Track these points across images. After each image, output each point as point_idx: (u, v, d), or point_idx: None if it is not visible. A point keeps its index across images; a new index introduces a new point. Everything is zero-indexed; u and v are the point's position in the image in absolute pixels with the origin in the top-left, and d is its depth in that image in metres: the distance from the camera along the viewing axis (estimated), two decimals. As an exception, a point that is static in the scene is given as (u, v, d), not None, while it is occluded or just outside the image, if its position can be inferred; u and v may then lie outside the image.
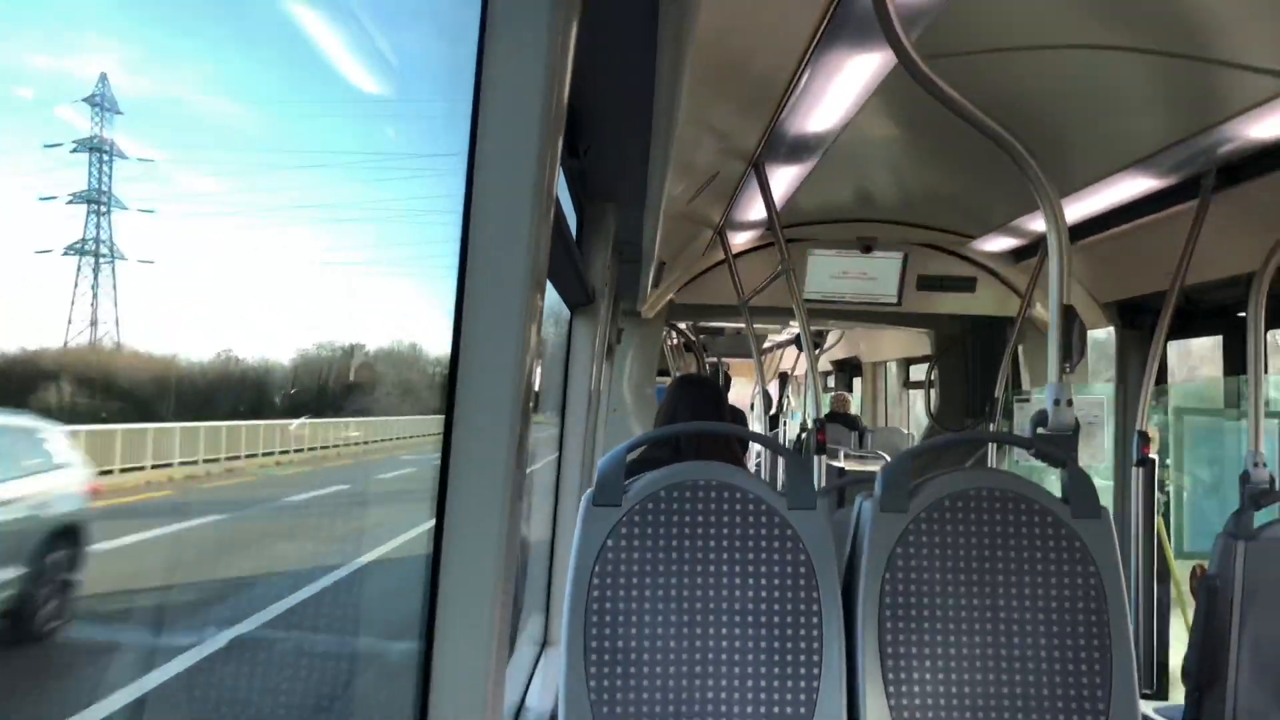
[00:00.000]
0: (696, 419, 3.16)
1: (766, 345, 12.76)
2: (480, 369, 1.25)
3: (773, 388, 12.13)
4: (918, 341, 8.42)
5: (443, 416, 1.28)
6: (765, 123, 3.38)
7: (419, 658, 1.26)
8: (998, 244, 5.61)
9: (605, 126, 2.36)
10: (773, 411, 7.99)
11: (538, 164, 1.26)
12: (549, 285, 2.89)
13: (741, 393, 15.98)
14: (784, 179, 4.19)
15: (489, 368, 1.25)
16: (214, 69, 1.34)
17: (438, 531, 1.25)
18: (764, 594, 2.20)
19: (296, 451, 2.33)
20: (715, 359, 11.74)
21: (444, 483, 1.25)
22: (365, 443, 2.53)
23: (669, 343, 11.25)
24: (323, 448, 2.42)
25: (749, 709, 2.16)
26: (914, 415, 9.90)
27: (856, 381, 11.73)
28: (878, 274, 5.94)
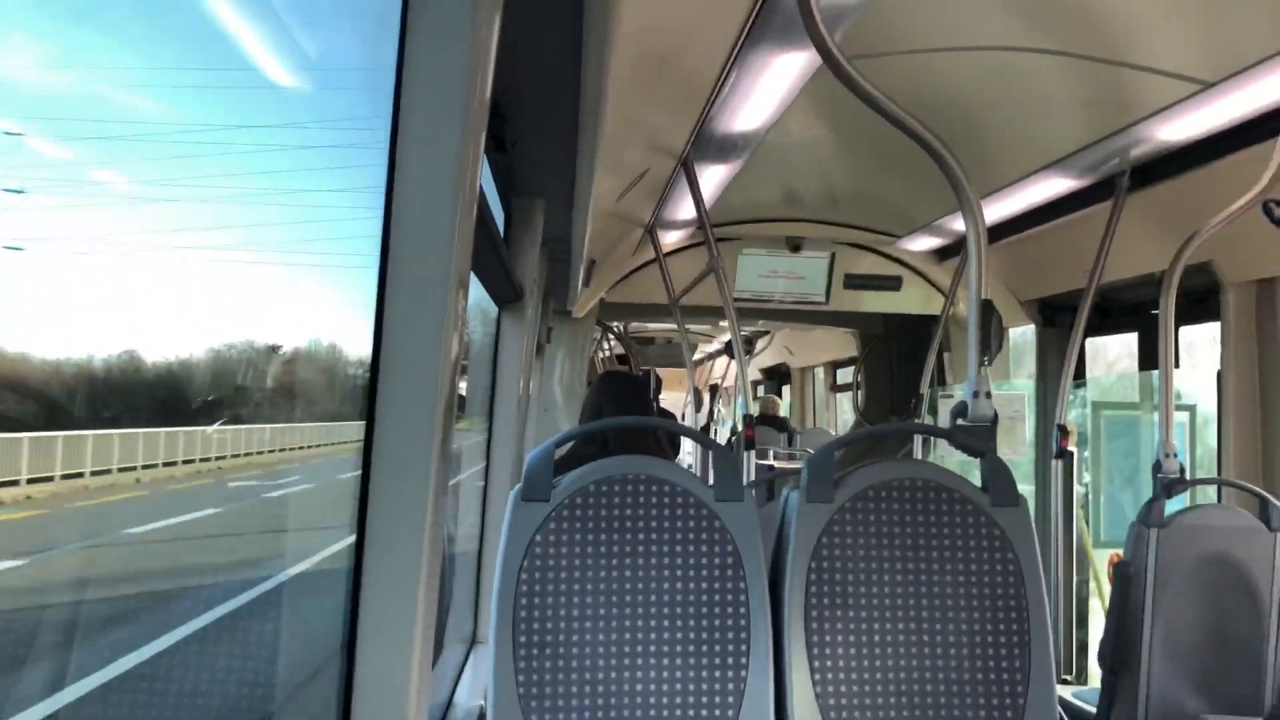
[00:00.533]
0: (623, 415, 3.17)
1: (698, 356, 12.83)
2: (402, 366, 1.24)
3: (704, 399, 12.23)
4: (845, 344, 8.54)
5: (363, 419, 1.26)
6: (694, 121, 3.40)
7: (341, 663, 1.25)
8: (922, 243, 5.71)
9: (532, 121, 2.36)
10: (703, 419, 8.05)
11: (460, 157, 1.25)
12: (477, 281, 2.88)
13: (673, 402, 16.04)
14: (713, 178, 4.22)
15: (411, 365, 1.23)
16: (131, 63, 1.31)
17: (360, 533, 1.24)
18: (692, 585, 2.22)
19: (175, 464, 1.83)
20: (647, 369, 11.80)
21: (365, 485, 1.23)
22: (262, 452, 2.09)
23: (600, 354, 11.26)
24: (217, 458, 1.93)
25: (678, 699, 2.17)
26: (840, 418, 10.04)
27: (785, 389, 11.88)
28: (806, 273, 6.01)
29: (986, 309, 2.44)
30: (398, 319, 1.24)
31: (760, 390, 12.45)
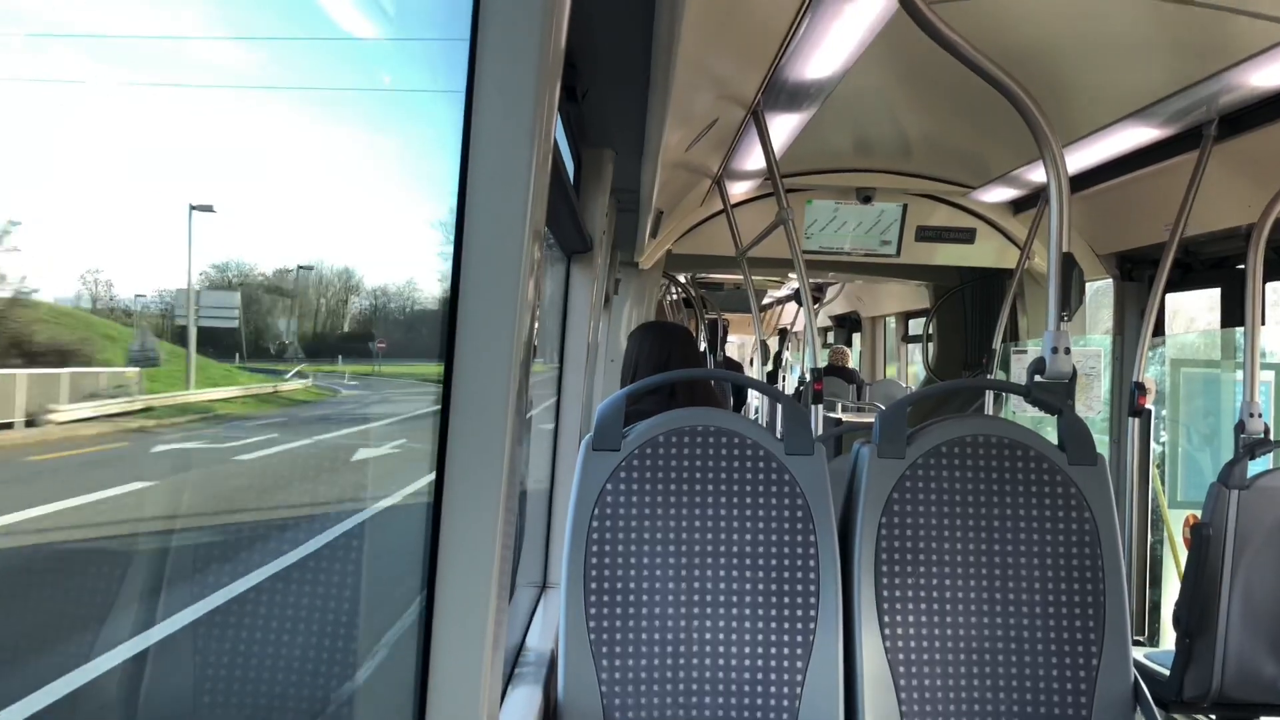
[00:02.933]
0: (668, 365, 3.14)
1: (766, 301, 12.73)
2: (479, 315, 1.24)
3: (772, 343, 12.14)
4: (916, 296, 8.41)
5: (440, 364, 1.28)
6: (764, 70, 3.34)
7: (421, 606, 1.27)
8: (997, 195, 5.58)
9: (603, 71, 2.34)
10: (769, 367, 8.01)
11: (535, 106, 1.24)
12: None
13: (742, 344, 15.95)
14: (783, 127, 4.16)
15: (488, 314, 1.24)
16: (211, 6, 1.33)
17: (439, 474, 1.26)
18: (761, 537, 2.22)
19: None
20: (715, 316, 11.74)
21: (444, 429, 1.25)
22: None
23: (668, 299, 11.23)
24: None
25: (746, 649, 2.18)
26: (912, 370, 9.92)
27: (855, 337, 11.74)
28: (877, 225, 5.92)
29: (1067, 262, 2.38)
30: (475, 267, 1.24)
31: (830, 338, 12.34)
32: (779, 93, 3.63)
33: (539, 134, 1.26)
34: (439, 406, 1.27)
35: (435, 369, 1.31)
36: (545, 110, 1.27)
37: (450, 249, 1.26)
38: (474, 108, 1.24)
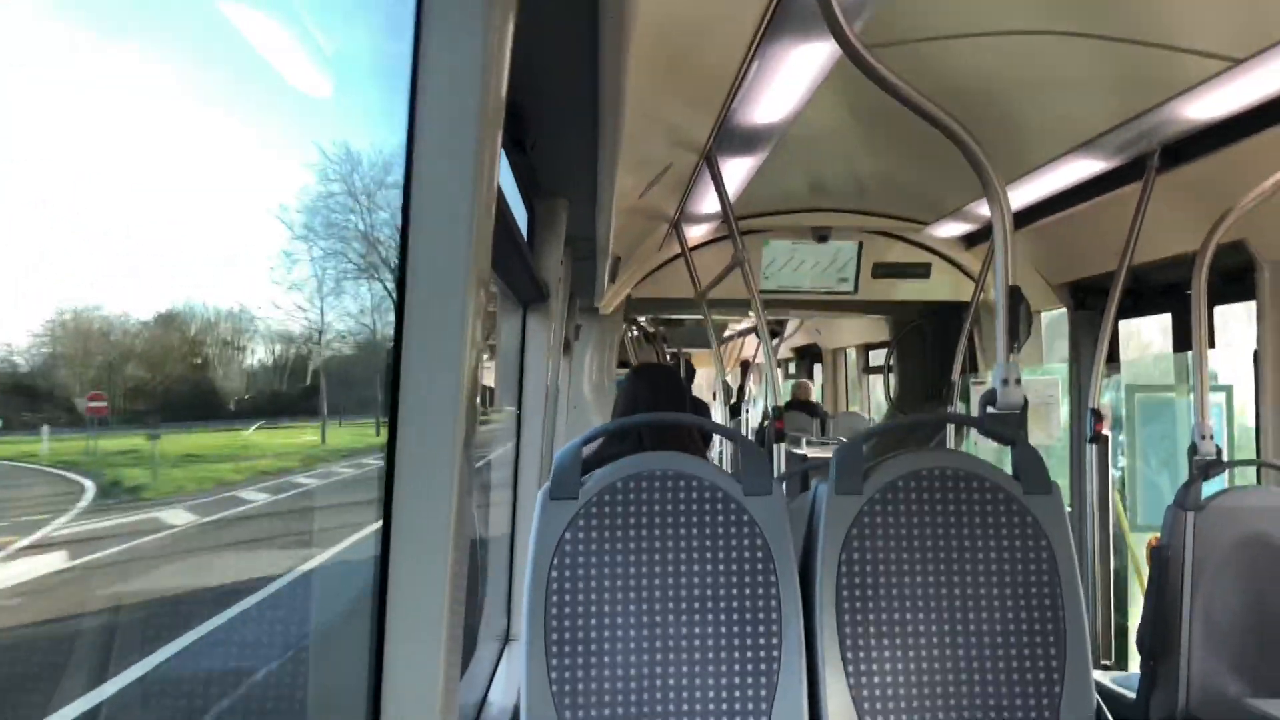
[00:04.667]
0: (659, 410, 3.16)
1: (726, 334, 12.80)
2: (423, 368, 1.24)
3: (735, 377, 12.17)
4: (877, 327, 8.50)
5: (385, 417, 1.27)
6: (715, 115, 3.39)
7: (370, 661, 1.26)
8: (950, 230, 5.67)
9: (551, 120, 2.36)
10: (733, 401, 8.02)
11: (476, 156, 1.25)
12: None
13: (706, 379, 15.99)
14: (737, 170, 4.21)
15: (432, 367, 1.24)
16: (148, 70, 1.32)
17: (385, 532, 1.25)
18: (722, 580, 2.22)
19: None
20: (675, 350, 11.78)
21: (390, 484, 1.24)
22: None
23: (629, 335, 11.26)
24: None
25: (710, 694, 2.17)
26: (874, 400, 9.98)
27: (817, 368, 11.81)
28: (833, 263, 5.99)
29: (1014, 295, 2.42)
30: (417, 318, 1.25)
31: (791, 369, 12.40)
32: (731, 137, 3.67)
33: (482, 183, 1.26)
34: (384, 457, 1.27)
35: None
36: (487, 159, 1.28)
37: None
38: (414, 157, 1.25)
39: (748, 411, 11.97)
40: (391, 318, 1.32)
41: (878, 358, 8.84)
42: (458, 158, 1.25)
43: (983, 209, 5.03)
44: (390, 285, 1.74)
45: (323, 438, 1.88)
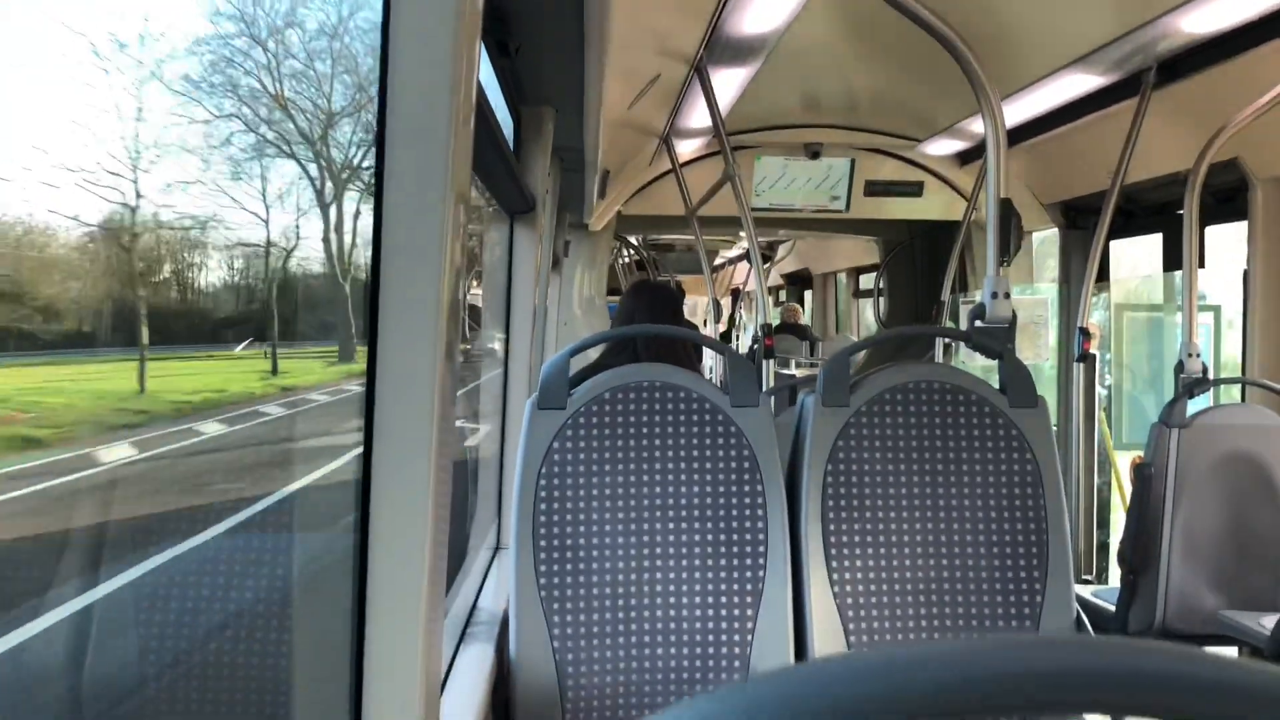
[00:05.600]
0: (655, 323, 3.16)
1: (718, 262, 12.75)
2: (402, 277, 1.23)
3: (726, 305, 12.17)
4: (867, 251, 8.46)
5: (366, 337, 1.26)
6: (705, 23, 3.32)
7: (355, 569, 1.26)
8: (943, 147, 5.61)
9: (536, 23, 2.31)
10: (724, 327, 8.02)
11: (454, 58, 1.22)
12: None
13: (696, 307, 16.00)
14: (728, 83, 4.14)
15: (411, 275, 1.22)
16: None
17: (367, 449, 1.24)
18: (709, 489, 2.23)
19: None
20: (668, 276, 11.75)
21: (371, 396, 1.24)
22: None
23: (620, 261, 11.22)
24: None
25: (697, 599, 2.20)
26: (865, 324, 10.00)
27: (807, 295, 11.80)
28: (825, 180, 5.93)
29: (1005, 208, 2.40)
30: (395, 229, 1.22)
31: (782, 296, 12.39)
32: (722, 47, 3.61)
33: (460, 85, 1.23)
34: (365, 372, 1.25)
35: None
36: (466, 61, 1.24)
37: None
38: (389, 58, 1.21)
39: (738, 338, 11.98)
40: (309, 202, 1.26)
41: (868, 282, 8.83)
42: (435, 57, 1.21)
43: (976, 126, 4.97)
44: (310, 164, 1.65)
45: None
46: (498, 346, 3.37)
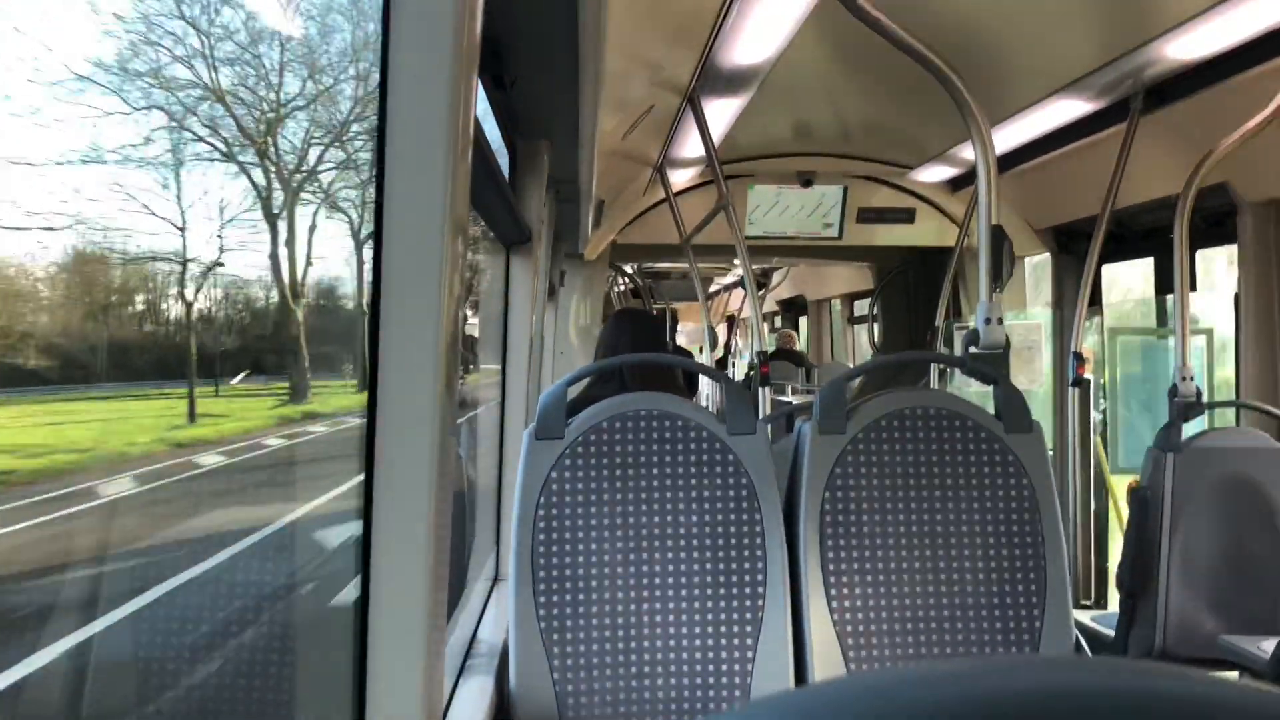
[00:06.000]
0: (639, 350, 3.17)
1: (713, 289, 12.78)
2: (402, 309, 1.23)
3: (721, 331, 12.20)
4: (861, 277, 8.50)
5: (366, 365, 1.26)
6: (697, 54, 3.36)
7: (357, 602, 1.26)
8: (935, 174, 5.66)
9: (531, 58, 2.33)
10: (719, 353, 8.02)
11: (452, 92, 1.23)
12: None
13: (691, 334, 16.01)
14: (721, 113, 4.17)
15: (411, 312, 1.23)
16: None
17: (368, 475, 1.25)
18: (708, 518, 2.23)
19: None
20: (663, 305, 11.78)
21: (371, 428, 1.24)
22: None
23: (615, 289, 11.25)
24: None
25: (696, 629, 2.20)
26: (859, 350, 10.02)
27: (803, 321, 11.83)
28: (818, 208, 5.97)
29: (997, 234, 2.42)
30: (395, 260, 1.23)
31: (777, 322, 12.42)
32: (714, 78, 3.64)
33: (459, 120, 1.25)
34: (366, 402, 1.26)
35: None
36: (464, 95, 1.26)
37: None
38: (389, 94, 1.23)
39: (733, 365, 11.98)
40: (258, 219, 1.22)
41: (862, 308, 8.86)
42: (433, 93, 1.23)
43: (965, 152, 5.01)
44: (260, 177, 1.55)
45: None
46: (491, 379, 3.38)
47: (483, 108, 2.46)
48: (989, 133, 2.46)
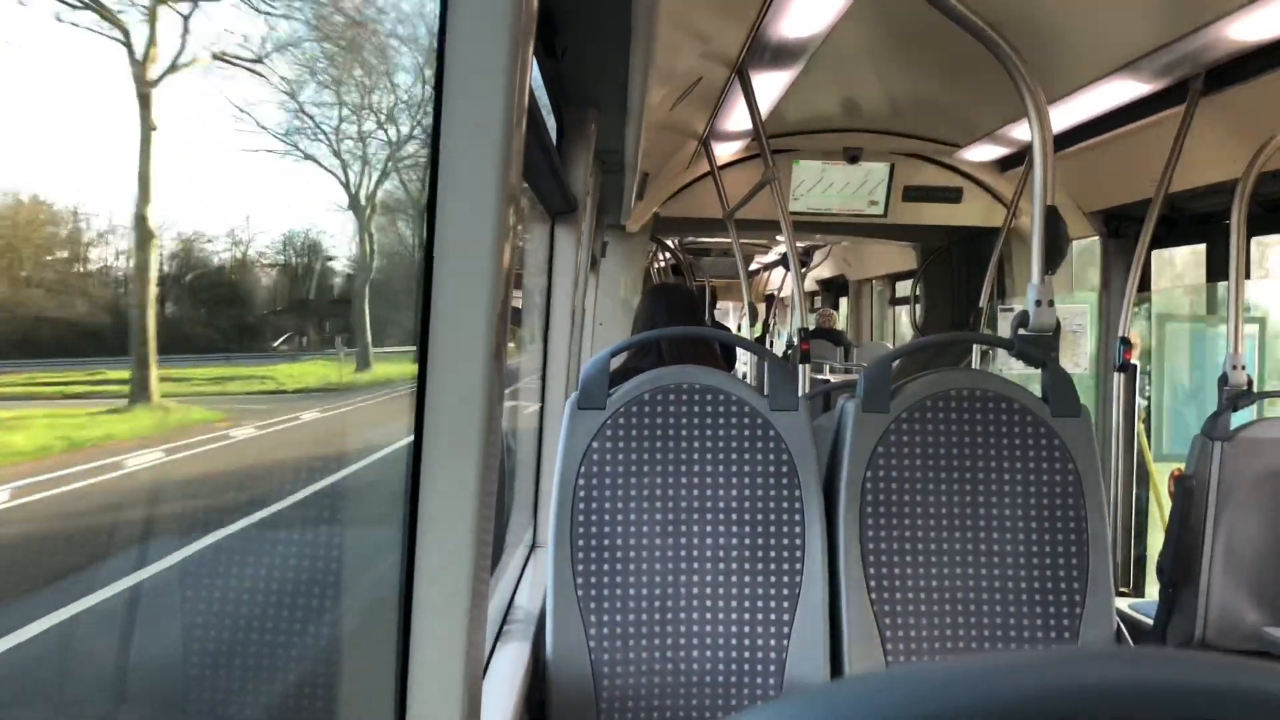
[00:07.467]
0: (675, 325, 3.17)
1: (753, 267, 12.71)
2: (455, 276, 1.24)
3: (762, 311, 12.16)
4: (904, 257, 8.41)
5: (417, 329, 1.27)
6: (748, 27, 3.32)
7: (400, 576, 1.28)
8: (984, 153, 5.57)
9: (583, 26, 2.32)
10: (757, 331, 7.99)
11: (509, 61, 1.23)
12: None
13: (730, 311, 15.96)
14: (768, 87, 4.14)
15: (464, 274, 1.24)
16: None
17: (416, 445, 1.26)
18: (747, 493, 2.23)
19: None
20: (703, 282, 11.74)
21: (421, 394, 1.25)
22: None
23: (656, 265, 11.22)
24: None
25: (733, 603, 2.20)
26: (899, 331, 9.94)
27: (843, 301, 11.75)
28: (864, 185, 5.91)
29: (1051, 215, 2.39)
30: (449, 229, 1.24)
31: (817, 302, 12.35)
32: (763, 51, 3.60)
33: (515, 89, 1.24)
34: (416, 368, 1.27)
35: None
36: (521, 63, 1.25)
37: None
38: (446, 62, 1.23)
39: (772, 344, 11.94)
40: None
41: (904, 290, 8.78)
42: (490, 61, 1.22)
43: (1017, 132, 4.94)
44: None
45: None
46: (529, 351, 3.38)
47: (534, 76, 2.45)
48: (1046, 109, 2.42)
